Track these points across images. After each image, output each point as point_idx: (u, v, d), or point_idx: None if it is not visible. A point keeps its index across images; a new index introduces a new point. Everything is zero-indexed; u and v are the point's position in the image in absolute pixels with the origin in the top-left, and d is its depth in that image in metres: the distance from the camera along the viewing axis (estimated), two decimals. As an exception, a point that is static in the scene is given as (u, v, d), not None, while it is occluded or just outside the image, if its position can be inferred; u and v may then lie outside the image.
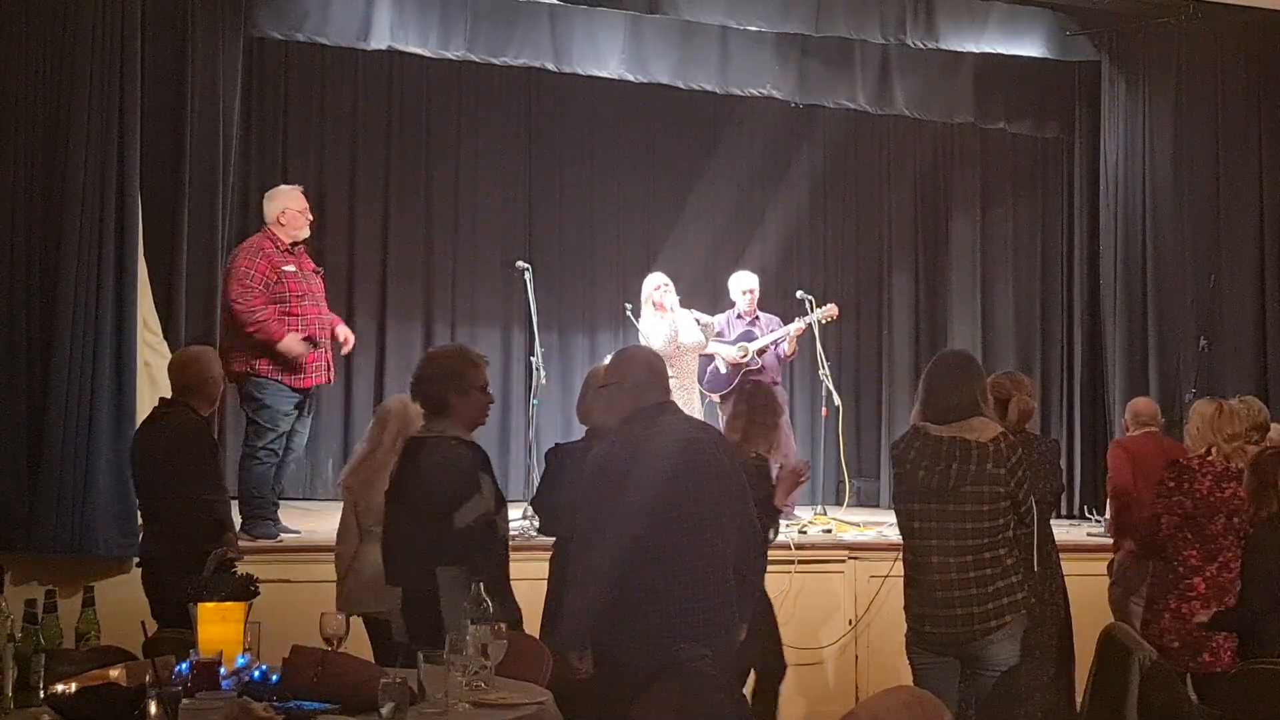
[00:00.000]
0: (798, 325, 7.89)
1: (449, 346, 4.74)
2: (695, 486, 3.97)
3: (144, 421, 5.29)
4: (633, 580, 3.89)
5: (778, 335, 7.92)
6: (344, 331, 6.89)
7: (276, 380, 6.47)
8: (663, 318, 7.67)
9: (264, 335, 6.39)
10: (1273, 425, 5.64)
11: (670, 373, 7.49)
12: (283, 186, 6.91)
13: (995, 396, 4.91)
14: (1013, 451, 4.27)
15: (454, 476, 4.11)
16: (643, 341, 7.59)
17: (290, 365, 6.46)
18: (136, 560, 5.05)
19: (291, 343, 6.43)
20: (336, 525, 5.28)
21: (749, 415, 5.34)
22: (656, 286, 7.75)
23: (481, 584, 3.49)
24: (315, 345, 6.56)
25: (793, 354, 8.06)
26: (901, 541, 4.48)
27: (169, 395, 5.24)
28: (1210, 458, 5.10)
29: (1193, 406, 5.48)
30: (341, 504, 5.30)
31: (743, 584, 4.10)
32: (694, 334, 7.75)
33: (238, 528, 6.39)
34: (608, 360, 7.72)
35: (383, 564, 4.25)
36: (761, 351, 7.89)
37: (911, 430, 4.38)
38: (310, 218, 6.76)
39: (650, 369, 4.21)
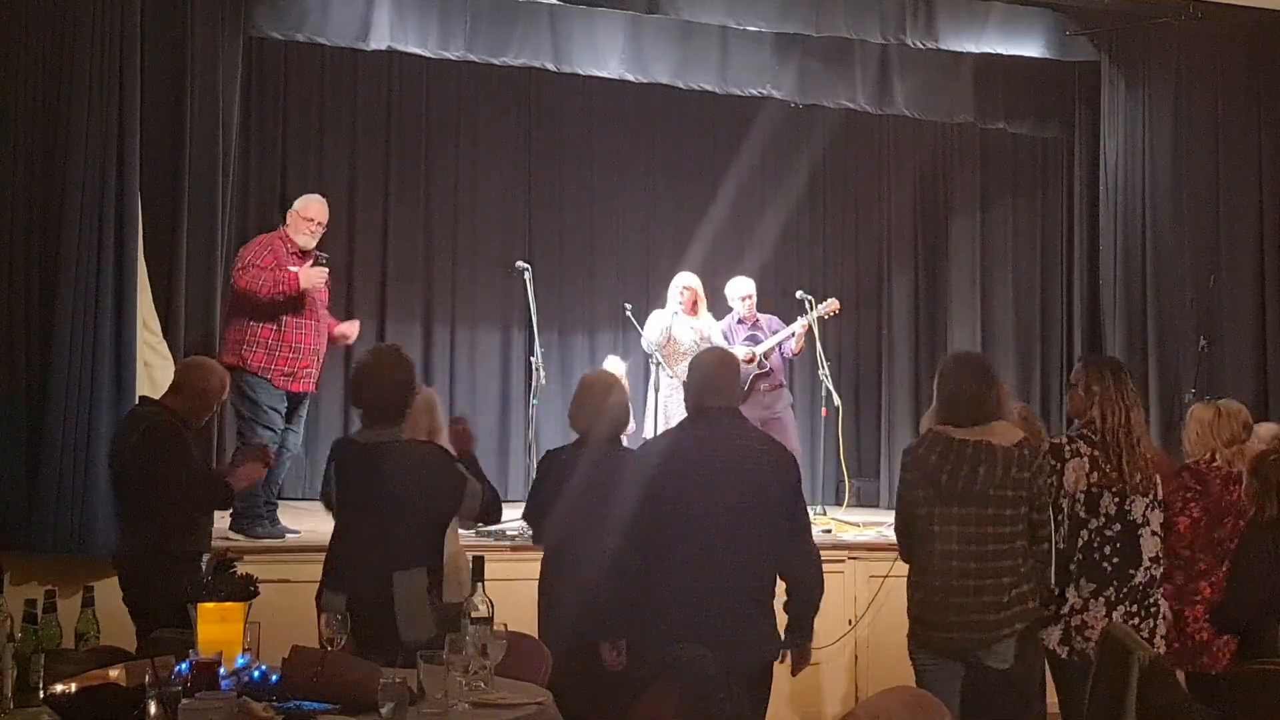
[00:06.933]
0: (800, 325, 7.89)
1: (389, 350, 4.57)
2: (744, 496, 4.03)
3: (121, 420, 5.24)
4: (665, 581, 3.96)
5: (781, 338, 7.92)
6: (343, 330, 6.93)
7: (265, 379, 6.52)
8: (672, 313, 7.68)
9: (285, 289, 6.45)
10: (1259, 425, 5.62)
11: (670, 372, 7.61)
12: (312, 195, 6.95)
13: None
14: (1035, 457, 4.28)
15: (444, 476, 4.26)
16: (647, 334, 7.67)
17: (290, 349, 6.56)
18: (110, 560, 4.89)
19: (306, 276, 6.52)
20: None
21: None
22: (682, 287, 7.80)
23: (482, 585, 3.49)
24: (325, 261, 6.65)
25: (799, 350, 8.08)
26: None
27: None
28: (1216, 462, 5.06)
29: (1190, 411, 5.44)
30: None
31: (795, 587, 4.22)
32: (689, 337, 7.74)
33: (235, 528, 6.42)
34: (604, 365, 7.80)
35: (341, 571, 4.24)
36: (767, 355, 7.90)
37: (931, 434, 4.32)
38: (313, 228, 6.74)
39: (714, 373, 4.24)
